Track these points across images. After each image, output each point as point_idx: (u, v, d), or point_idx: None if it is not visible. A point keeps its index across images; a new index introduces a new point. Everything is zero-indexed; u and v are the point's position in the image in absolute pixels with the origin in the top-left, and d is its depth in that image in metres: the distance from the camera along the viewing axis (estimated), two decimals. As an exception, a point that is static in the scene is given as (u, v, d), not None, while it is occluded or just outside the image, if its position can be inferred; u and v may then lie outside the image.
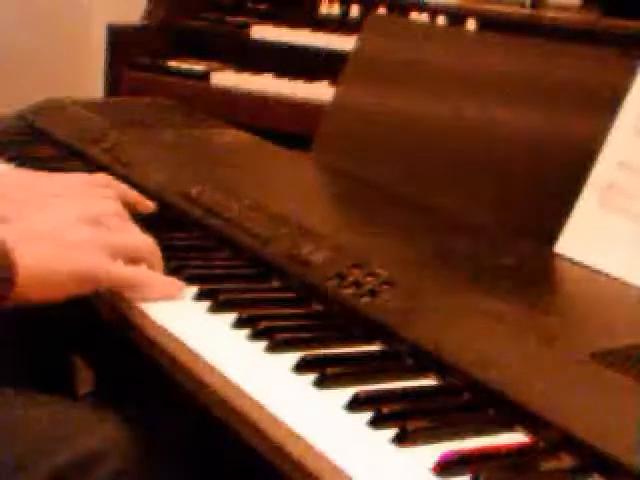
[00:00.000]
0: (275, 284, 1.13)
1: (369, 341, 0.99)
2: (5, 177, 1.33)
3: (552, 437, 0.81)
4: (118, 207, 1.16)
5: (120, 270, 1.06)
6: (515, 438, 0.82)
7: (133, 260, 1.09)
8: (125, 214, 1.16)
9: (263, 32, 2.63)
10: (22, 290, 1.01)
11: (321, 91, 2.33)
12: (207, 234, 1.25)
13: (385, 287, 1.04)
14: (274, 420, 0.84)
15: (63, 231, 1.08)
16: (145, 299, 1.06)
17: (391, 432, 0.80)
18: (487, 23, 2.39)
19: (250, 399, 0.87)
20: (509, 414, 0.84)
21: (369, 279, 1.05)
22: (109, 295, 1.09)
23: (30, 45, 3.20)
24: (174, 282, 1.08)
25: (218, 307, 1.04)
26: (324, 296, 1.06)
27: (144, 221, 1.23)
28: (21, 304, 1.04)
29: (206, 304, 1.05)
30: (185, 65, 2.66)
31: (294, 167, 1.61)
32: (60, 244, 1.05)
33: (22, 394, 1.07)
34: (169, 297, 1.06)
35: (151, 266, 1.10)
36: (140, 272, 1.08)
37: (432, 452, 0.78)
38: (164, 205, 1.34)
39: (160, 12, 2.77)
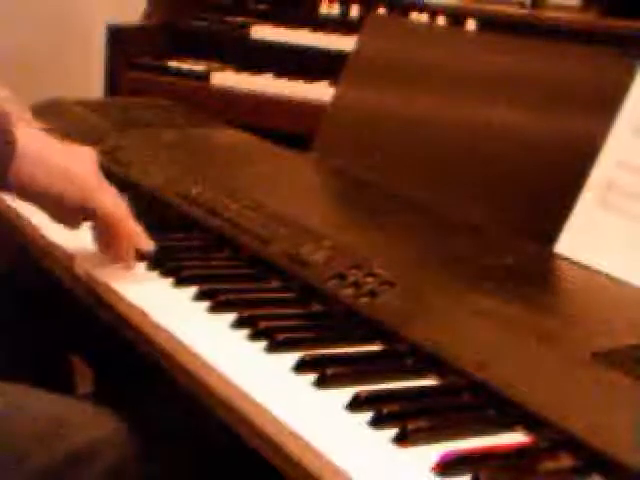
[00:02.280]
0: (275, 284, 1.13)
1: (369, 341, 0.99)
2: None
3: (552, 437, 0.81)
4: None
5: (105, 197, 1.11)
6: (515, 438, 0.82)
7: None
8: None
9: (263, 32, 2.63)
10: (20, 168, 1.06)
11: (321, 91, 2.33)
12: (207, 234, 1.25)
13: (385, 287, 1.04)
14: (274, 420, 0.84)
15: (72, 151, 1.13)
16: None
17: (391, 432, 0.80)
18: (487, 23, 2.39)
19: (250, 399, 0.87)
20: (509, 414, 0.84)
21: (369, 279, 1.05)
22: (110, 295, 1.10)
23: (30, 45, 3.19)
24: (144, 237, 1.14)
25: (218, 307, 1.04)
26: (324, 296, 1.06)
27: (144, 221, 1.23)
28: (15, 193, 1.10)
29: (206, 304, 1.05)
30: (185, 65, 2.66)
31: (294, 167, 1.61)
32: (64, 150, 1.12)
33: (20, 390, 1.07)
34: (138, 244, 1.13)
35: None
36: (119, 210, 1.12)
37: (432, 452, 0.78)
38: (164, 205, 1.34)
39: (160, 12, 2.77)
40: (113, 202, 1.12)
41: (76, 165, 1.10)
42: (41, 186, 1.10)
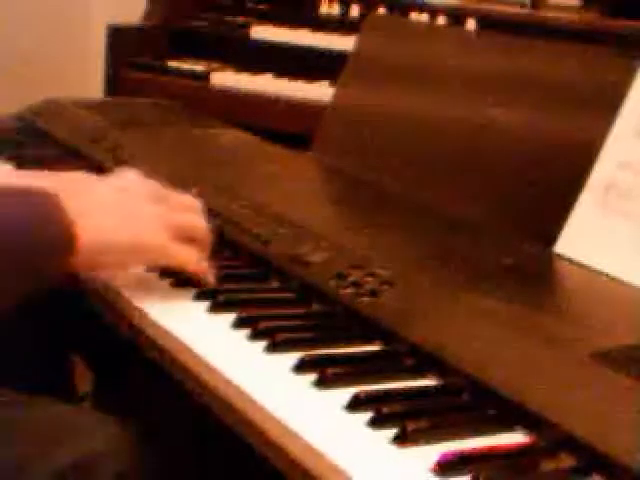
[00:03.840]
0: (275, 284, 1.13)
1: (369, 341, 0.99)
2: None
3: (552, 437, 0.81)
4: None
5: (177, 251, 1.08)
6: (515, 438, 0.82)
7: (187, 240, 1.10)
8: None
9: (263, 32, 2.63)
10: (84, 261, 1.03)
11: (321, 91, 2.32)
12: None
13: (385, 287, 1.04)
14: (274, 420, 0.84)
15: (126, 203, 1.09)
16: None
17: (391, 432, 0.80)
18: (487, 23, 2.39)
19: (250, 399, 0.87)
20: (509, 414, 0.84)
21: (369, 279, 1.05)
22: (110, 295, 1.10)
23: (30, 45, 3.20)
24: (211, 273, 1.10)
25: (218, 307, 1.04)
26: (324, 296, 1.06)
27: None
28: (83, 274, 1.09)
29: (206, 304, 1.05)
30: (185, 65, 2.66)
31: (294, 167, 1.61)
32: (123, 216, 1.07)
33: (22, 396, 1.07)
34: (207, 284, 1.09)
35: (202, 248, 1.10)
36: (193, 258, 1.09)
37: (432, 452, 0.78)
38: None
39: (160, 12, 2.77)
40: (180, 256, 1.08)
41: (137, 227, 1.06)
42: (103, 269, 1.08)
